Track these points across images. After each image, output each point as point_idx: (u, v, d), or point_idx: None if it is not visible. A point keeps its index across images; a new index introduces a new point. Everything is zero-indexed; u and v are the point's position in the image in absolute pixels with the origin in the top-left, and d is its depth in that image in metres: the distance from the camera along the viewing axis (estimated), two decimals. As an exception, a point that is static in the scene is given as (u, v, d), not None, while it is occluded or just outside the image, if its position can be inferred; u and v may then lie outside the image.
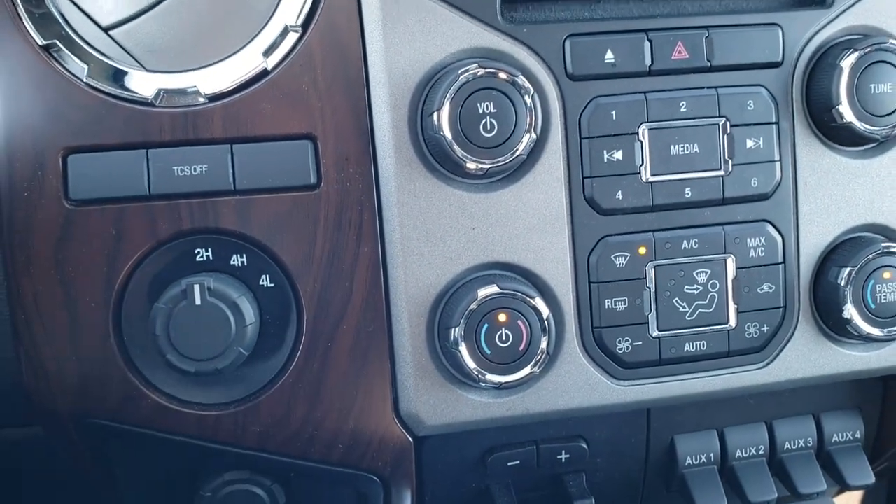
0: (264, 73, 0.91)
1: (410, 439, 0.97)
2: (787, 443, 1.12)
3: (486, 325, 0.91)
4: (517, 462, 1.06)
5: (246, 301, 0.90)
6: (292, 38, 0.92)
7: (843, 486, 1.12)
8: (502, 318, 0.92)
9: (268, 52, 0.91)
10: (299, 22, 0.91)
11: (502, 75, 0.89)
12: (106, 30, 0.92)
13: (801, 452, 1.13)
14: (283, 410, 0.94)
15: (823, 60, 0.98)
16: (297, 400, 0.94)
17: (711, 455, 1.10)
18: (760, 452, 1.11)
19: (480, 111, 0.89)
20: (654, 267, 0.97)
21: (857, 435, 1.14)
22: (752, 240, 0.99)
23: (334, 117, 0.92)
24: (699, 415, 1.10)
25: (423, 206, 0.93)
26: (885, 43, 0.96)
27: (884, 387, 1.15)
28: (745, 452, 1.11)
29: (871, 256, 0.98)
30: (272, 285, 0.94)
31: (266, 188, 0.91)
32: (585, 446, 1.07)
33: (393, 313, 0.94)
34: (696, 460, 1.10)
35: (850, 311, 0.98)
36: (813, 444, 1.13)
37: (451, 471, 1.06)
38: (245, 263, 0.93)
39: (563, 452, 1.07)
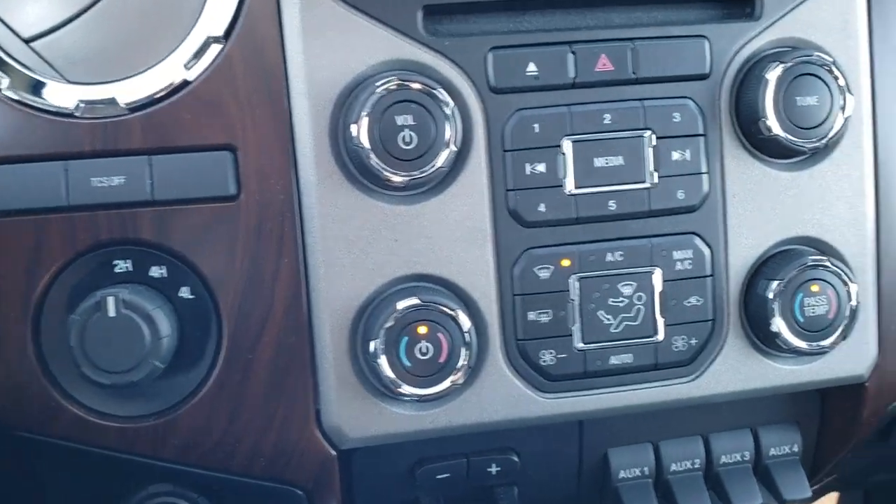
0: (185, 83, 0.91)
1: (334, 452, 0.96)
2: (723, 456, 1.11)
3: (405, 338, 0.91)
4: (447, 475, 1.05)
5: (161, 313, 0.89)
6: (214, 48, 0.92)
7: (780, 501, 1.11)
8: (422, 330, 0.91)
9: (189, 63, 0.91)
10: (221, 33, 0.91)
11: (420, 88, 0.89)
12: (27, 41, 0.91)
13: (737, 466, 1.12)
14: (203, 423, 0.94)
15: (751, 73, 0.98)
16: (218, 412, 0.94)
17: (646, 468, 1.09)
18: (696, 466, 1.11)
19: (399, 123, 0.89)
20: (579, 279, 0.96)
21: (795, 448, 1.13)
22: (680, 252, 0.98)
23: (255, 128, 0.91)
24: (633, 427, 1.09)
25: (345, 218, 0.92)
26: (811, 56, 0.96)
27: (821, 400, 1.14)
28: (681, 466, 1.10)
29: (799, 269, 0.97)
30: (192, 297, 0.93)
31: (185, 199, 0.91)
32: (516, 459, 1.07)
33: (315, 325, 0.94)
34: (630, 474, 1.09)
35: (777, 325, 0.98)
36: (750, 457, 1.12)
37: (380, 483, 1.06)
38: (165, 275, 0.93)
39: (494, 465, 1.06)
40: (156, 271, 0.93)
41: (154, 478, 0.99)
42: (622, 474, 1.09)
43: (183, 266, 0.92)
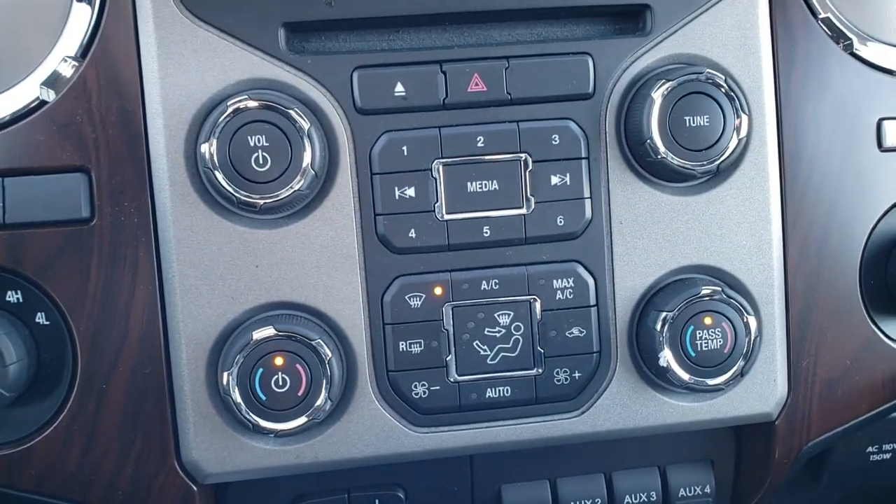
0: (41, 104, 0.89)
1: (195, 487, 0.92)
2: (627, 496, 1.05)
3: (260, 369, 0.87)
4: (327, 511, 1.01)
5: (8, 340, 0.86)
6: (72, 68, 0.89)
7: (688, 545, 1.05)
8: (279, 361, 0.87)
9: (48, 83, 0.89)
10: (76, 52, 0.89)
11: (275, 107, 0.85)
12: None
13: (642, 507, 1.06)
14: (59, 453, 0.91)
15: (639, 92, 0.92)
16: (73, 443, 0.90)
17: (541, 507, 1.04)
18: (597, 506, 1.05)
19: (252, 144, 0.85)
20: (452, 308, 0.92)
21: (707, 489, 1.06)
22: (560, 281, 0.93)
23: (109, 149, 0.88)
24: (529, 463, 1.04)
25: (202, 242, 0.89)
26: (701, 73, 0.90)
27: (736, 438, 1.08)
28: (580, 505, 1.05)
29: (689, 300, 0.91)
30: (48, 323, 0.90)
31: (37, 222, 0.88)
32: (402, 495, 1.02)
33: (172, 355, 0.90)
34: (524, 513, 1.04)
35: (666, 359, 0.91)
36: (657, 498, 1.06)
37: (257, 519, 1.02)
38: (20, 300, 0.90)
39: (377, 501, 1.01)
40: (11, 296, 0.90)
41: (21, 508, 0.97)
42: (516, 513, 1.04)
43: (37, 291, 0.90)
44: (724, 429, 1.06)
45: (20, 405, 0.91)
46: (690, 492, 1.06)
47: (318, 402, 0.87)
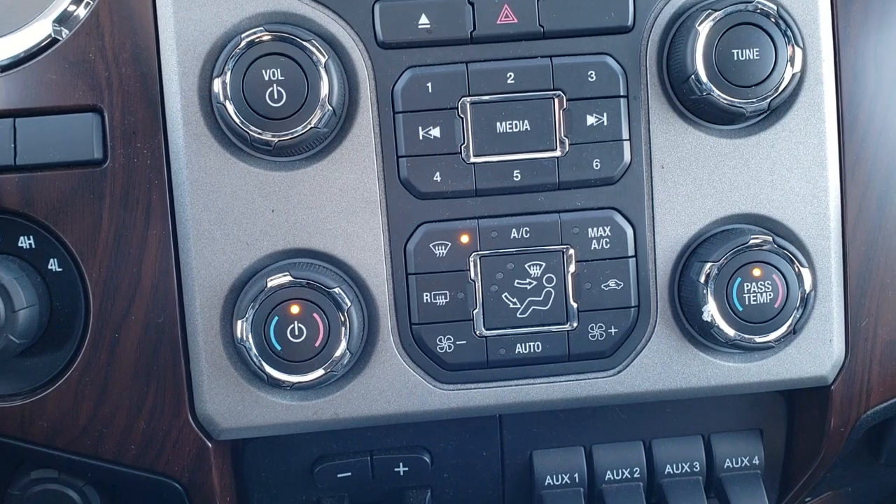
0: (52, 42, 0.86)
1: (209, 444, 0.88)
2: (668, 466, 0.98)
3: (276, 318, 0.82)
4: (348, 474, 0.95)
5: (17, 285, 0.83)
6: (85, 6, 0.86)
7: (734, 520, 0.98)
8: (295, 310, 0.82)
9: (60, 20, 0.86)
10: (91, -12, 0.86)
11: (290, 39, 0.80)
12: None
13: (685, 478, 0.98)
14: (70, 405, 0.87)
15: (683, 25, 0.85)
16: (84, 395, 0.87)
17: (576, 475, 0.97)
18: (636, 476, 0.98)
19: (266, 79, 0.81)
20: (479, 258, 0.86)
21: (756, 461, 0.99)
22: (595, 230, 0.86)
23: (122, 88, 0.85)
24: (562, 428, 0.98)
25: (216, 185, 0.85)
26: (750, 2, 0.83)
27: (788, 405, 1.00)
28: (617, 475, 0.98)
29: (736, 249, 0.84)
30: (60, 270, 0.87)
31: (49, 164, 0.85)
32: (428, 459, 0.96)
33: (186, 303, 0.86)
34: (557, 480, 0.97)
35: (710, 313, 0.85)
36: (701, 469, 0.99)
37: (276, 481, 0.97)
38: (33, 246, 0.87)
39: (402, 465, 0.96)
40: (23, 241, 0.87)
41: (37, 463, 0.94)
42: (549, 480, 0.97)
43: (49, 237, 0.86)
44: (775, 395, 0.99)
45: (33, 355, 0.88)
46: (737, 463, 0.99)
47: (337, 354, 0.82)
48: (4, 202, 0.85)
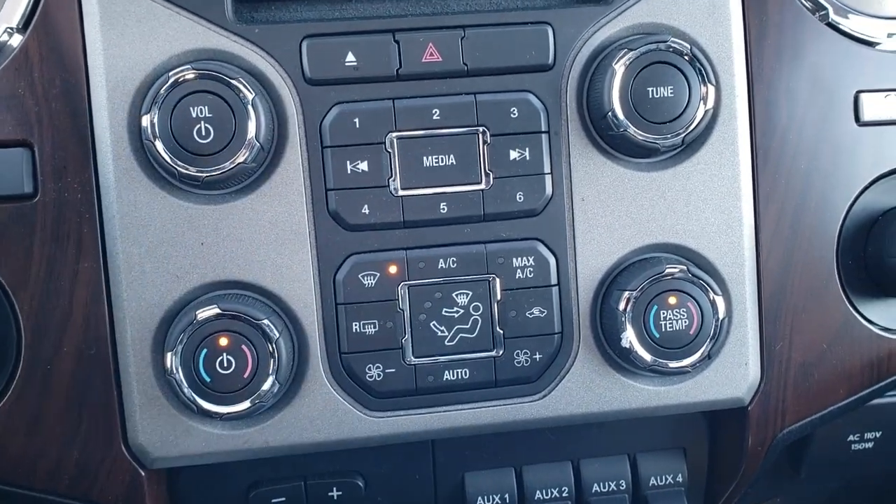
0: (-18, 77, 0.87)
1: (142, 472, 0.90)
2: (595, 485, 1.02)
3: (205, 350, 0.84)
4: (282, 499, 0.97)
5: (-54, 318, 0.84)
6: (15, 40, 0.87)
7: (660, 536, 1.01)
8: (223, 342, 0.84)
9: (-10, 56, 0.87)
10: (20, 24, 0.86)
11: (218, 77, 0.82)
12: None
13: (612, 496, 1.02)
14: (2, 436, 0.88)
15: (601, 63, 0.89)
16: (16, 426, 0.88)
17: (507, 496, 1.00)
18: (564, 495, 1.01)
19: (194, 116, 0.82)
20: (407, 287, 0.88)
21: (679, 479, 1.03)
22: (520, 259, 0.89)
23: (52, 123, 0.86)
24: (493, 450, 1.00)
25: (146, 219, 0.86)
26: (664, 41, 0.86)
27: (709, 425, 1.04)
28: (547, 494, 1.01)
29: (653, 278, 0.88)
30: (-9, 302, 0.88)
31: (-22, 198, 0.86)
32: (361, 483, 0.99)
33: (117, 335, 0.87)
34: (488, 501, 1.00)
35: (629, 340, 0.88)
36: (627, 486, 1.02)
37: (211, 507, 0.99)
38: (-38, 279, 0.88)
39: (335, 489, 0.98)
40: (-47, 275, 0.88)
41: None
42: (480, 501, 1.00)
43: (-21, 270, 0.87)
44: (697, 415, 1.02)
45: (-37, 387, 0.89)
46: (662, 480, 1.03)
47: (265, 387, 0.84)
48: (-66, 236, 0.86)
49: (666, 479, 1.03)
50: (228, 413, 0.84)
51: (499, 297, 0.89)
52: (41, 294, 0.87)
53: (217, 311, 0.84)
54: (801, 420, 0.98)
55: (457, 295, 0.89)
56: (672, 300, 0.88)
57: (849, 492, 1.47)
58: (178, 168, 0.82)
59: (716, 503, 1.06)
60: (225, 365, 0.84)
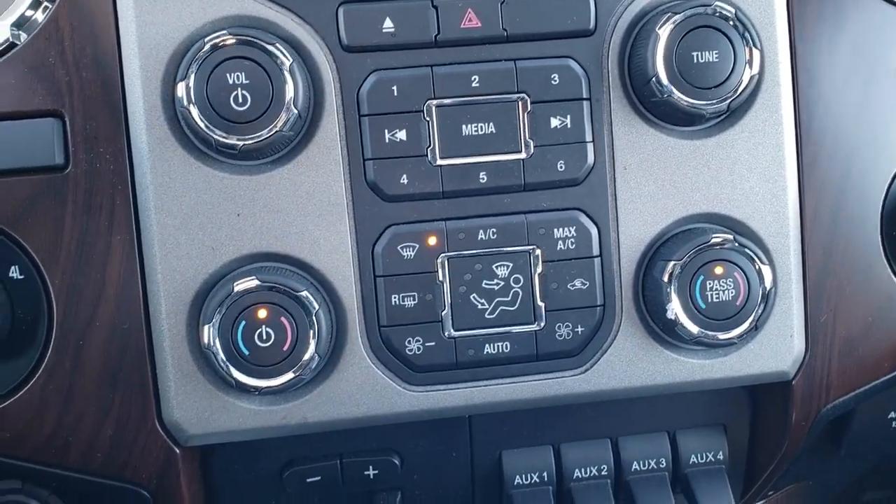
0: (11, 46, 0.84)
1: (177, 450, 0.88)
2: (635, 463, 1.00)
3: (243, 323, 0.82)
4: (318, 478, 0.95)
5: (-22, 291, 0.82)
6: (43, 9, 0.85)
7: (700, 515, 0.99)
8: (262, 314, 0.82)
9: (18, 24, 0.85)
10: (51, -9, 0.85)
11: (255, 43, 0.80)
12: None
13: (652, 474, 1.00)
14: (34, 414, 0.86)
15: (643, 28, 0.87)
16: (49, 403, 0.86)
17: (545, 474, 0.98)
18: (603, 473, 0.99)
19: (231, 82, 0.80)
20: (447, 259, 0.86)
21: (720, 456, 1.01)
22: (561, 230, 0.87)
23: (83, 93, 0.84)
24: (531, 428, 0.98)
25: (181, 189, 0.84)
26: (709, 5, 0.84)
27: (751, 401, 1.02)
28: (585, 472, 0.99)
29: (698, 248, 0.86)
30: (21, 277, 0.86)
31: (9, 170, 0.84)
32: (397, 461, 0.97)
33: (151, 309, 0.85)
34: (526, 479, 0.98)
35: (674, 311, 0.86)
36: (667, 465, 1.00)
37: (245, 487, 0.96)
38: (-7, 253, 0.86)
39: (371, 468, 0.96)
40: (-17, 249, 0.86)
41: (2, 474, 0.92)
42: (517, 480, 0.98)
43: (9, 243, 0.85)
44: (738, 392, 1.00)
45: (-7, 364, 0.87)
46: (702, 458, 1.01)
47: (305, 357, 0.82)
48: (-36, 209, 0.84)
49: (706, 457, 1.01)
50: (267, 387, 0.82)
51: (540, 268, 0.87)
52: (73, 267, 0.85)
53: (256, 282, 0.82)
54: (846, 395, 0.96)
55: (497, 267, 0.87)
56: (718, 270, 0.86)
57: (881, 476, 1.46)
58: (215, 136, 0.80)
59: (756, 482, 1.05)
60: (264, 337, 0.82)
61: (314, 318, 0.82)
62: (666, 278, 0.86)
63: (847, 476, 1.26)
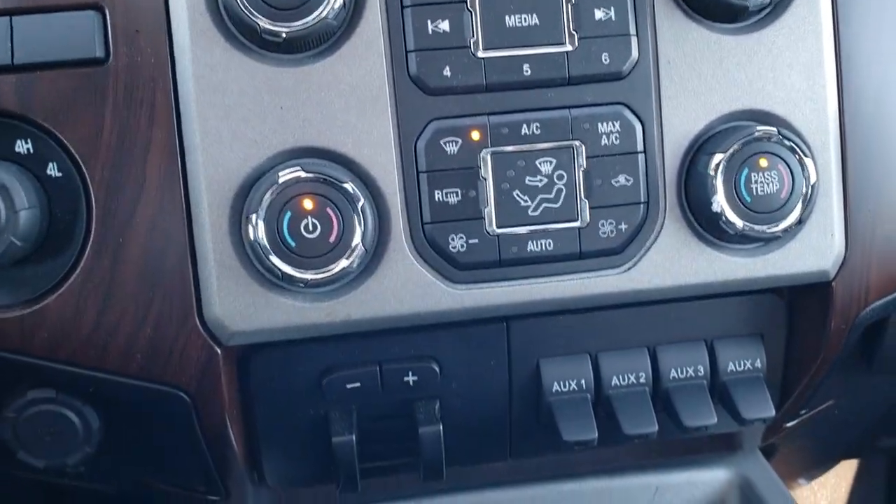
0: (50, -62, 0.84)
1: (218, 350, 0.87)
2: (673, 371, 0.99)
3: (289, 213, 0.81)
4: (357, 384, 0.94)
5: (18, 185, 0.81)
6: None
7: (739, 422, 0.99)
8: (308, 204, 0.81)
9: (56, -83, 0.84)
10: None
11: (299, -72, 0.80)
12: None
13: (690, 382, 0.99)
14: (72, 313, 0.85)
15: (686, -79, 0.87)
16: (87, 302, 0.85)
17: (583, 382, 0.98)
18: (641, 381, 0.98)
19: (275, -31, 0.80)
20: (490, 154, 0.86)
21: (758, 364, 1.00)
22: (605, 125, 0.87)
23: (124, -16, 0.83)
24: (569, 336, 0.98)
25: (223, 82, 0.83)
26: None
27: (788, 309, 1.02)
28: (624, 380, 0.98)
29: (744, 141, 0.86)
30: (60, 175, 0.85)
31: (48, 63, 0.82)
32: (437, 368, 0.96)
33: (193, 204, 0.84)
34: (564, 387, 0.98)
35: (720, 204, 0.86)
36: (705, 373, 1.00)
37: (283, 394, 0.95)
38: (31, 150, 0.84)
39: (411, 374, 0.95)
40: (21, 146, 0.84)
41: (34, 382, 0.91)
42: (556, 387, 0.97)
43: (48, 139, 0.84)
44: (775, 301, 1.00)
45: (32, 263, 0.86)
46: (740, 366, 1.00)
47: (353, 249, 0.81)
48: (2, 104, 0.82)
49: (744, 365, 1.00)
50: (314, 279, 0.81)
51: (584, 164, 0.87)
52: (113, 163, 0.84)
53: (301, 173, 0.81)
54: (886, 297, 0.96)
55: (540, 163, 0.87)
56: (763, 162, 0.86)
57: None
58: (260, 23, 0.79)
59: (791, 393, 1.05)
60: (310, 228, 0.81)
61: (360, 209, 0.82)
62: (711, 171, 0.86)
63: (876, 401, 1.27)
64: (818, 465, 1.75)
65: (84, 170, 0.83)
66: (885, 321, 1.03)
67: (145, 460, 1.03)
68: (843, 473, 2.15)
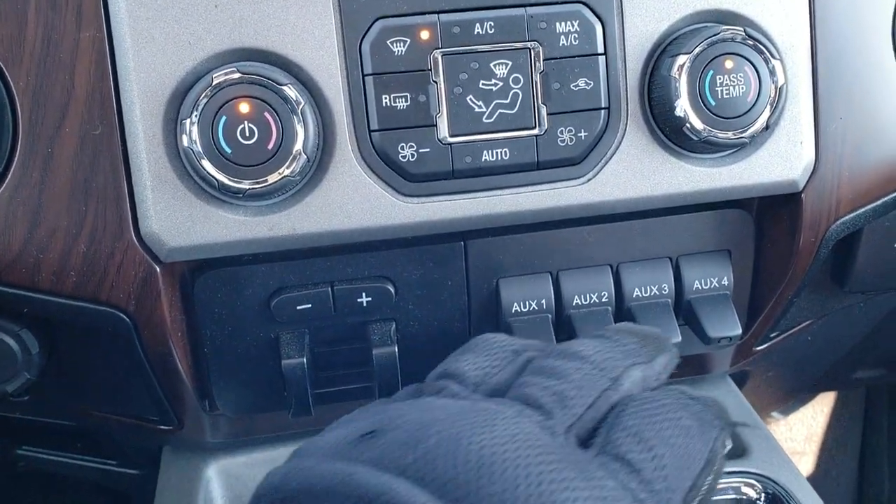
0: None
1: (156, 267, 0.82)
2: (636, 290, 0.96)
3: (224, 118, 0.76)
4: (308, 306, 0.90)
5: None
6: None
7: (705, 342, 0.96)
8: (244, 108, 0.76)
9: None
10: None
11: None
12: None
13: (654, 301, 0.96)
14: (2, 230, 0.80)
15: None
16: (16, 218, 0.80)
17: (543, 302, 0.94)
18: (604, 300, 0.95)
19: None
20: (441, 56, 0.81)
21: (724, 282, 0.97)
22: (563, 24, 0.82)
23: None
24: (529, 255, 0.94)
25: (153, -21, 0.78)
26: None
27: (756, 224, 0.98)
28: (585, 299, 0.95)
29: (708, 41, 0.81)
30: (-20, 82, 0.80)
31: (-38, -42, 0.77)
32: (392, 289, 0.92)
33: (125, 111, 0.79)
34: (524, 307, 0.94)
35: (683, 108, 0.82)
36: (669, 291, 0.97)
37: (231, 317, 0.91)
38: (-53, 56, 0.79)
39: (364, 295, 0.91)
40: (-64, 51, 0.79)
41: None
42: (515, 308, 0.94)
43: (-34, 43, 0.79)
44: (743, 215, 0.96)
45: (-46, 178, 0.81)
46: (706, 284, 0.97)
47: (293, 154, 0.77)
48: (-87, 3, 0.77)
49: (710, 283, 0.97)
50: (253, 190, 0.77)
51: (541, 67, 0.82)
52: (38, 68, 0.78)
53: (237, 73, 0.76)
54: (856, 210, 0.92)
55: (495, 65, 0.82)
56: (729, 64, 0.82)
57: (874, 354, 1.44)
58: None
59: (760, 313, 1.01)
60: (247, 134, 0.76)
61: (300, 113, 0.77)
62: (675, 73, 0.81)
63: (852, 331, 1.24)
64: (792, 394, 1.73)
65: (7, 76, 0.78)
66: (857, 235, 1.00)
67: (93, 389, 1.00)
68: (820, 408, 2.16)
